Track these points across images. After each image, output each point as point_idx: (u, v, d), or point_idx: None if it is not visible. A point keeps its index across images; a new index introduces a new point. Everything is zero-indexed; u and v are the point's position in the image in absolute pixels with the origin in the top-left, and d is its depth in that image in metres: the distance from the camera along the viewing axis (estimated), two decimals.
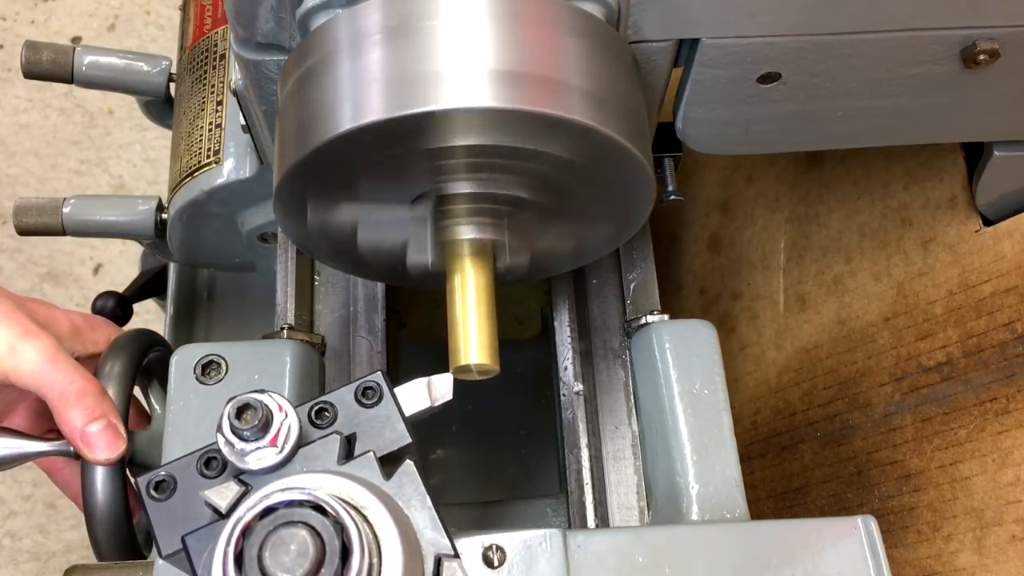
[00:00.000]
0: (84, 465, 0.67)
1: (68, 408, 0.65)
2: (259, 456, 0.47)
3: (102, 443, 0.65)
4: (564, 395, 0.75)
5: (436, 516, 0.48)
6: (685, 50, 0.60)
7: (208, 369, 0.65)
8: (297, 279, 0.75)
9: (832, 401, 0.93)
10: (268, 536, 0.43)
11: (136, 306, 1.12)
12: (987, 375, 0.79)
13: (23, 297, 0.71)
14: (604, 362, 0.75)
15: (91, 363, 0.72)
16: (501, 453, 1.05)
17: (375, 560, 0.44)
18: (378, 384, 0.52)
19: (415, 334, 1.04)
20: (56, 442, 0.68)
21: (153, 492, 0.50)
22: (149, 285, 1.16)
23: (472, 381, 0.59)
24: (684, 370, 0.67)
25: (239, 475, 0.48)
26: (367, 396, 0.52)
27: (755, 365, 1.02)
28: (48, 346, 0.66)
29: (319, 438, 0.49)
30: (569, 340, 0.76)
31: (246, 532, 0.43)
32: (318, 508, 0.44)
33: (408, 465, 0.49)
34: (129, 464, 0.72)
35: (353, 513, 0.44)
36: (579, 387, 0.74)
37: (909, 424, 0.85)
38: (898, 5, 0.57)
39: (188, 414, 0.63)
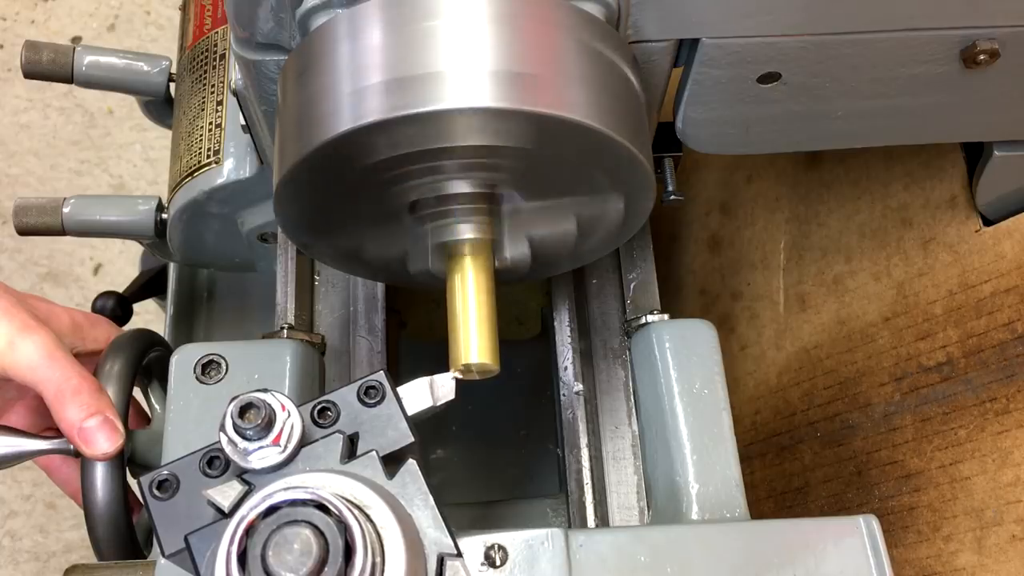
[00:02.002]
0: (84, 464, 0.67)
1: (65, 404, 0.65)
2: (262, 455, 0.47)
3: (100, 438, 0.65)
4: (564, 395, 0.75)
5: (439, 515, 0.48)
6: (685, 50, 0.60)
7: (208, 369, 0.64)
8: (297, 279, 0.75)
9: (832, 401, 0.93)
10: (272, 535, 0.43)
11: (136, 306, 1.12)
12: (987, 375, 0.79)
13: (24, 293, 0.71)
14: (604, 362, 0.75)
15: (91, 361, 0.72)
16: (501, 453, 1.05)
17: (378, 559, 0.44)
18: (380, 383, 0.52)
19: (415, 333, 1.04)
20: (55, 440, 0.68)
21: (156, 491, 0.50)
22: (149, 285, 1.16)
23: (472, 381, 0.59)
24: (684, 370, 0.67)
25: (242, 474, 0.48)
26: (370, 395, 0.52)
27: (755, 365, 1.02)
28: (47, 342, 0.66)
29: (322, 437, 0.49)
30: (569, 340, 0.76)
31: (249, 531, 0.43)
32: (321, 507, 0.43)
33: (411, 464, 0.49)
34: (129, 463, 0.72)
35: (356, 512, 0.44)
36: (579, 387, 0.74)
37: (909, 424, 0.85)
38: (898, 5, 0.57)
39: (188, 414, 0.63)
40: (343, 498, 0.44)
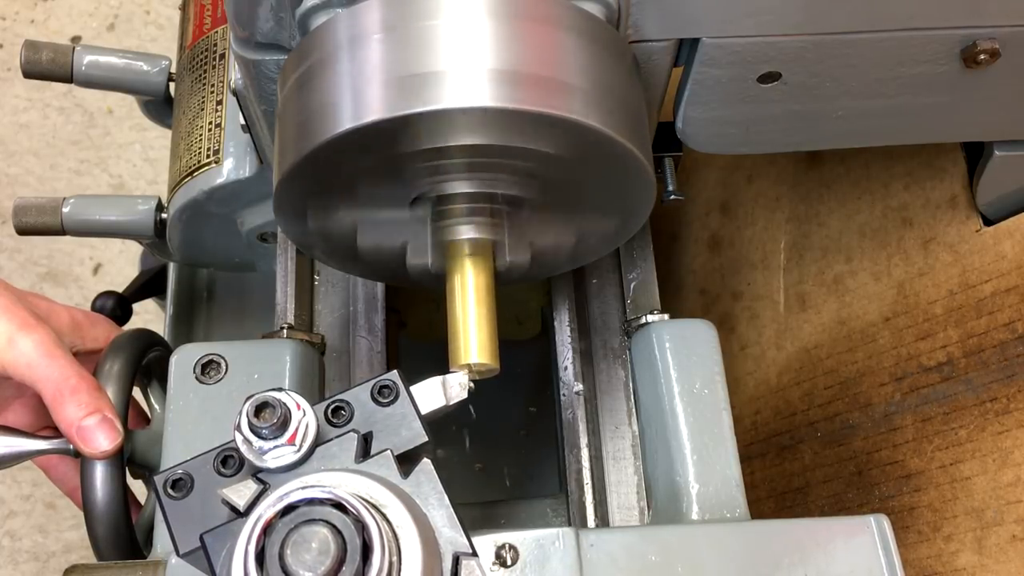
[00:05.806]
0: (84, 464, 0.67)
1: (63, 403, 0.65)
2: (277, 454, 0.47)
3: (99, 436, 0.65)
4: (564, 395, 0.75)
5: (454, 514, 0.48)
6: (685, 50, 0.60)
7: (208, 369, 0.64)
8: (297, 279, 0.75)
9: (832, 401, 0.93)
10: (289, 534, 0.43)
11: (136, 306, 1.12)
12: (987, 375, 0.79)
13: (24, 291, 0.71)
14: (604, 362, 0.75)
15: (90, 360, 0.72)
16: (501, 453, 1.05)
17: (395, 559, 0.44)
18: (394, 383, 0.52)
19: (415, 333, 1.04)
20: (55, 440, 0.68)
21: (170, 490, 0.50)
22: (149, 285, 1.16)
23: (472, 381, 0.59)
24: (684, 370, 0.67)
25: (256, 473, 0.48)
26: (383, 395, 0.52)
27: (755, 365, 1.02)
28: (46, 340, 0.66)
29: (336, 436, 0.49)
30: (569, 340, 0.76)
31: (267, 530, 0.43)
32: (339, 506, 0.44)
33: (425, 463, 0.49)
34: (129, 463, 0.72)
35: (373, 511, 0.44)
36: (579, 387, 0.74)
37: (909, 424, 0.85)
38: (898, 5, 0.57)
39: (188, 414, 0.63)
40: (360, 497, 0.44)
